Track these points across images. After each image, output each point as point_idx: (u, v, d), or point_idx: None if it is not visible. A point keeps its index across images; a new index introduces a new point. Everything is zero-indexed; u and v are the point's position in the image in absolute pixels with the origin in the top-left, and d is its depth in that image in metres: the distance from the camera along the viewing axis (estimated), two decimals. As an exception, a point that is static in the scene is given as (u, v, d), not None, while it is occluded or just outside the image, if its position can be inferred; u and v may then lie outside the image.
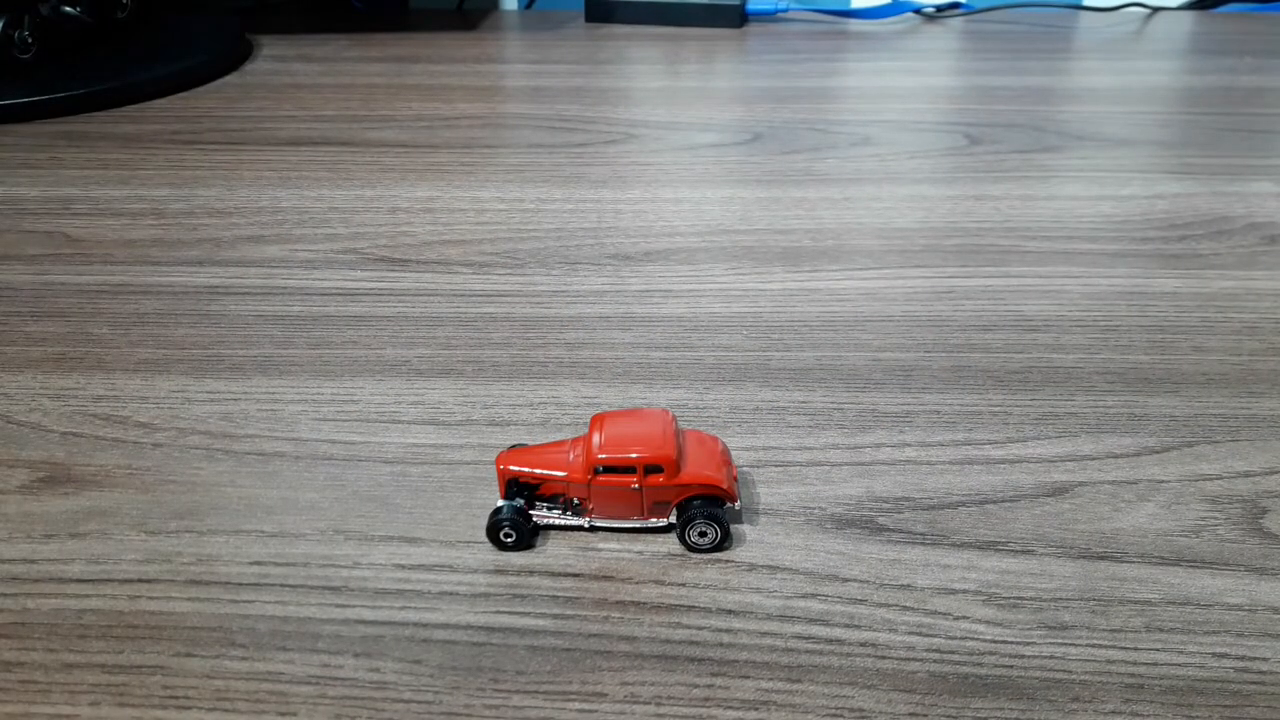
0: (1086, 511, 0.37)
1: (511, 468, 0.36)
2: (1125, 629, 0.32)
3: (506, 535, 0.35)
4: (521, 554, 0.35)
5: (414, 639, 0.32)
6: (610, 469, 0.34)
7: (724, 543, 0.35)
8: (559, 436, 0.41)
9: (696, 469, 0.35)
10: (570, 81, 0.86)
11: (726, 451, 0.36)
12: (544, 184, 0.65)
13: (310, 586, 0.34)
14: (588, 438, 0.35)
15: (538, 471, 0.36)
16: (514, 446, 0.37)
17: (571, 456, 0.35)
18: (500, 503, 0.36)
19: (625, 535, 0.36)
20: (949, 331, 0.48)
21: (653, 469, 0.34)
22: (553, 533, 0.36)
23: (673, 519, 0.35)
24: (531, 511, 0.36)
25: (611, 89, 0.85)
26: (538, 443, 0.40)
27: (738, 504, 0.36)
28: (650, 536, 0.36)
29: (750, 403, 0.43)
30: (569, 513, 0.36)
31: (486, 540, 0.36)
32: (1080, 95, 0.83)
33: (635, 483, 0.34)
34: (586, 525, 0.36)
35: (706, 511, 0.34)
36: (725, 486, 0.35)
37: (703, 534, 0.35)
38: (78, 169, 0.67)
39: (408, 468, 0.40)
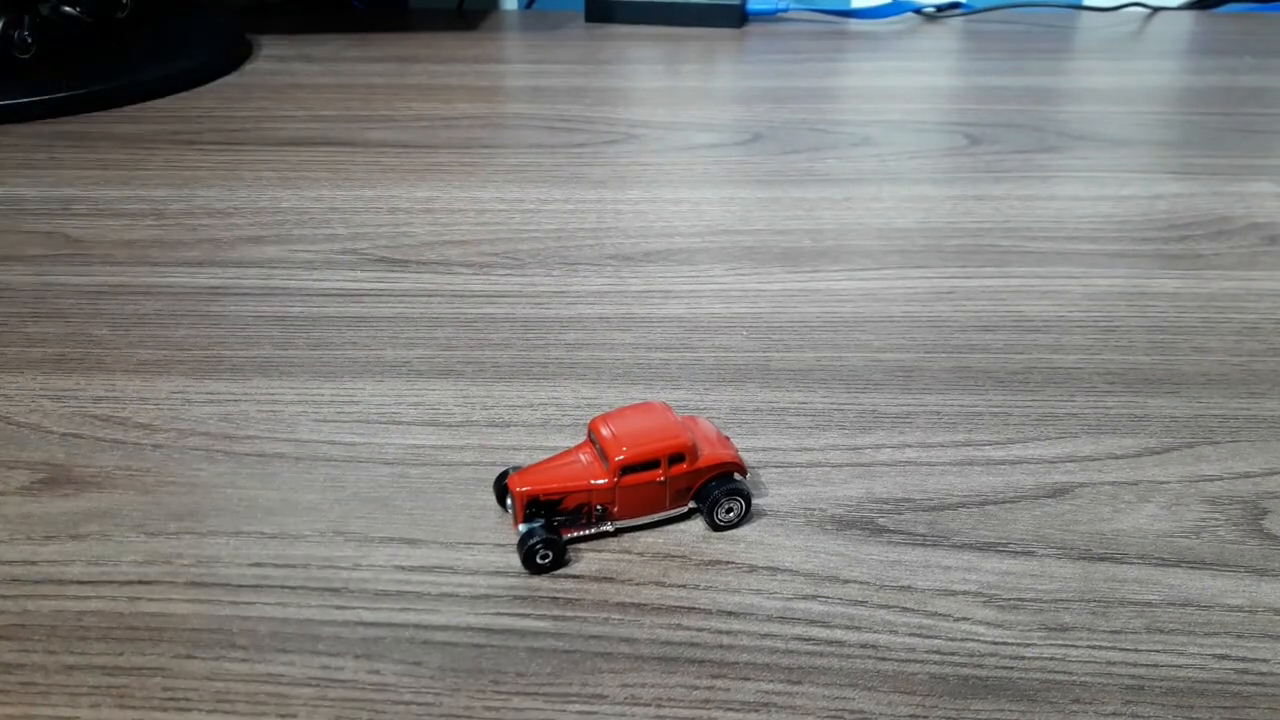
0: (1087, 512, 0.37)
1: (532, 489, 0.34)
2: (1126, 630, 0.32)
3: (543, 557, 0.34)
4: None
5: (414, 641, 0.32)
6: (633, 467, 0.34)
7: (748, 514, 0.36)
8: (559, 438, 0.41)
9: (710, 450, 0.35)
10: (570, 81, 0.86)
11: (712, 423, 0.37)
12: (544, 184, 0.65)
13: (310, 588, 0.34)
14: (599, 442, 0.35)
15: (560, 486, 0.35)
16: (512, 469, 0.36)
17: (584, 464, 0.35)
18: (524, 527, 0.34)
19: (625, 535, 0.36)
20: (949, 332, 0.48)
21: (676, 458, 0.34)
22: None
23: (691, 505, 0.36)
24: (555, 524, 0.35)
25: (611, 89, 0.85)
26: (533, 454, 0.40)
27: (748, 474, 0.36)
28: (650, 536, 0.36)
29: (750, 403, 0.43)
30: (594, 521, 0.35)
31: (488, 544, 0.36)
32: (1080, 95, 0.83)
33: (661, 476, 0.34)
34: (612, 529, 0.36)
35: (729, 487, 0.35)
36: (739, 460, 0.35)
37: (729, 510, 0.35)
38: (78, 169, 0.67)
39: (408, 469, 0.40)
